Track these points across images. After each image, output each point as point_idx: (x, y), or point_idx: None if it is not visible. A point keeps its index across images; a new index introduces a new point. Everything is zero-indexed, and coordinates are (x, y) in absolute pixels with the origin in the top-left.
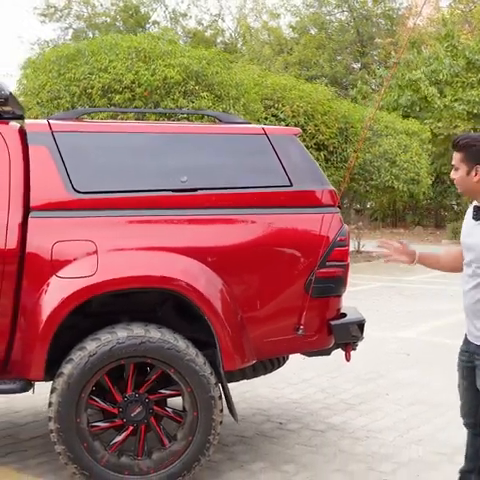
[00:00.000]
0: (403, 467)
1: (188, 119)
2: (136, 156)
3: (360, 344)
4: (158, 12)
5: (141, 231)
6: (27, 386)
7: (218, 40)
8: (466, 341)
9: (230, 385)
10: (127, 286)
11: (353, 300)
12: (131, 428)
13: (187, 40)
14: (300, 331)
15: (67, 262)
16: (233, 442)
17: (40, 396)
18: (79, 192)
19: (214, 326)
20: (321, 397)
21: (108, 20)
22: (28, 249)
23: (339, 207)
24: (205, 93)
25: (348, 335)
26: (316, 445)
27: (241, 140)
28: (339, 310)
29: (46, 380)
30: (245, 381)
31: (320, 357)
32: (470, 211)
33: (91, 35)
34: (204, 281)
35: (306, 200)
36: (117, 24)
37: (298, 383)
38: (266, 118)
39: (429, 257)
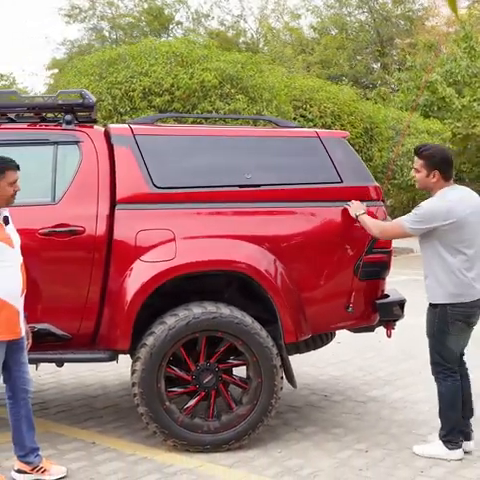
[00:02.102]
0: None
1: (224, 121)
2: (206, 156)
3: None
4: (181, 13)
5: (212, 221)
6: (114, 356)
7: (240, 40)
8: None
9: None
10: (202, 268)
11: None
12: (203, 393)
13: (209, 41)
14: (350, 309)
15: (149, 248)
16: (286, 410)
17: (106, 373)
18: (158, 187)
19: (276, 303)
20: (360, 374)
21: (132, 21)
22: (115, 237)
23: (382, 201)
24: (240, 96)
25: (391, 313)
26: (360, 413)
27: (297, 142)
28: (383, 291)
29: (128, 352)
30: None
31: (356, 340)
32: None
33: (115, 36)
34: (266, 264)
35: (354, 195)
36: (141, 25)
37: (337, 362)
38: (295, 119)
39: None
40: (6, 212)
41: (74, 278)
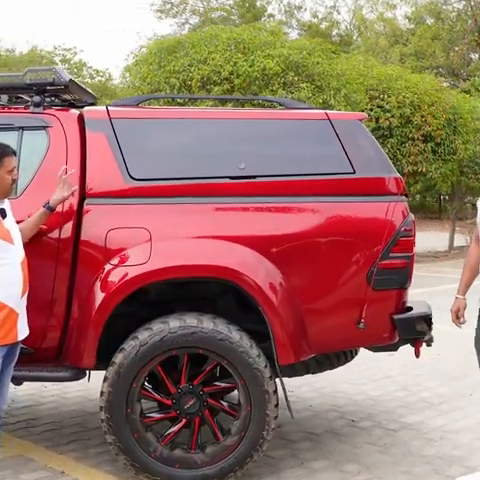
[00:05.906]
0: (472, 471)
1: (264, 106)
2: (193, 142)
3: (447, 342)
4: (273, 5)
5: (197, 219)
6: (79, 374)
7: (333, 32)
8: None
9: (306, 380)
10: (180, 275)
11: (451, 297)
12: (185, 420)
13: (302, 33)
14: (361, 325)
15: (120, 250)
16: (300, 438)
17: None
18: (135, 179)
19: (269, 318)
20: (402, 395)
21: (224, 14)
22: (82, 236)
23: (406, 195)
24: (305, 84)
25: (413, 330)
26: (385, 445)
27: (302, 125)
28: (404, 304)
29: (101, 369)
30: (324, 376)
31: (407, 354)
32: None
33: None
34: (259, 271)
35: (369, 188)
36: (232, 18)
37: (380, 379)
38: (371, 109)
39: (467, 283)
40: (3, 204)
41: (36, 283)
